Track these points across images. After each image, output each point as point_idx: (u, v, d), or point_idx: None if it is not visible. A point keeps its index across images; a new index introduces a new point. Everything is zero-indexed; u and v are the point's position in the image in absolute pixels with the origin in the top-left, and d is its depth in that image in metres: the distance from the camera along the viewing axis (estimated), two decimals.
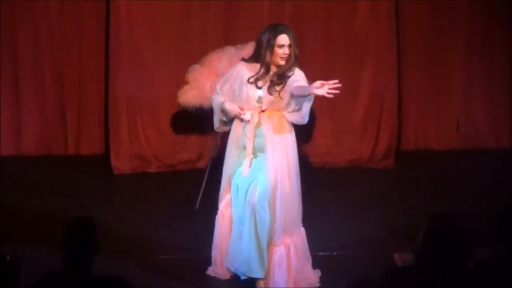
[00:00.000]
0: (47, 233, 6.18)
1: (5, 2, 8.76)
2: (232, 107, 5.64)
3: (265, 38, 5.53)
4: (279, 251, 5.58)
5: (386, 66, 8.90)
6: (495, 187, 7.78)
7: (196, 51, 8.12)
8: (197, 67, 7.49)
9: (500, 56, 9.26)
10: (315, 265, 5.84)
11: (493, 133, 9.34)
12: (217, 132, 6.66)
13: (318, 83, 5.21)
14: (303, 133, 7.36)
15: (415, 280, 3.80)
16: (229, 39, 8.09)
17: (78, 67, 9.01)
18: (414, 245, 3.89)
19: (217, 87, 5.80)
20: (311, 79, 5.46)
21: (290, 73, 5.53)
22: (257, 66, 5.59)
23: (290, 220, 5.61)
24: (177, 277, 5.94)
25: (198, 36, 8.66)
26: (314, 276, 5.80)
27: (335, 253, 6.33)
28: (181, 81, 7.56)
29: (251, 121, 5.59)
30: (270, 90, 5.54)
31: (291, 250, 5.61)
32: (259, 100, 5.59)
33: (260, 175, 5.54)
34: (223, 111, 5.69)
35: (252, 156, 5.60)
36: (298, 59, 5.56)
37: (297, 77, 5.51)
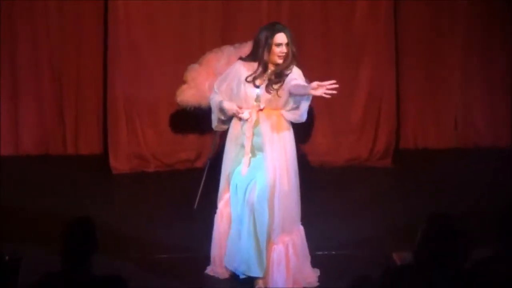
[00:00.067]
0: (46, 233, 6.18)
1: (4, 2, 8.76)
2: (230, 106, 5.64)
3: (262, 36, 5.53)
4: (277, 250, 5.58)
5: (385, 66, 8.90)
6: (494, 186, 7.78)
7: (195, 51, 8.12)
8: (195, 66, 7.49)
9: (499, 56, 9.26)
10: (314, 265, 5.84)
11: (491, 132, 9.34)
12: (215, 131, 6.67)
13: (314, 84, 5.22)
14: (302, 132, 7.38)
15: (414, 280, 3.81)
16: (228, 39, 8.09)
17: (76, 67, 9.01)
18: (413, 245, 3.89)
19: (215, 86, 5.80)
20: (310, 79, 5.47)
21: (288, 72, 5.53)
22: (254, 65, 5.59)
23: (289, 218, 5.61)
24: (176, 276, 5.94)
25: (196, 36, 8.66)
26: (313, 275, 5.80)
27: (333, 253, 6.33)
28: (180, 81, 7.55)
29: (249, 120, 5.59)
30: (268, 89, 5.54)
31: (289, 248, 5.62)
32: (257, 98, 5.59)
33: (259, 174, 5.54)
34: (221, 110, 5.69)
35: (250, 155, 5.61)
36: (295, 57, 5.57)
37: (295, 76, 5.51)
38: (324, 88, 5.18)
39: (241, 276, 5.69)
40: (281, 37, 5.51)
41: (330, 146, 8.93)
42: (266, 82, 5.56)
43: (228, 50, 7.34)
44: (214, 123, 5.84)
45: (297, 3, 8.74)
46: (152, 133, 8.76)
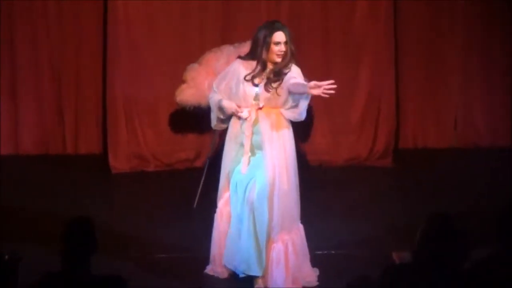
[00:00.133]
0: (46, 233, 6.18)
1: (4, 2, 8.77)
2: (229, 105, 5.64)
3: (261, 35, 5.53)
4: (277, 248, 5.58)
5: (384, 66, 8.91)
6: (494, 186, 7.78)
7: (194, 51, 8.12)
8: (195, 66, 7.50)
9: (499, 56, 9.26)
10: (313, 264, 5.84)
11: (491, 132, 9.34)
12: (215, 131, 6.67)
13: (312, 83, 5.22)
14: (301, 132, 7.38)
15: (413, 279, 3.81)
16: (228, 39, 8.09)
17: (76, 67, 9.02)
18: (412, 244, 3.89)
19: (214, 85, 5.80)
20: (309, 79, 5.45)
21: (287, 70, 5.53)
22: (253, 63, 5.59)
23: (288, 217, 5.61)
24: (176, 276, 5.94)
25: (196, 36, 8.67)
26: (312, 274, 5.79)
27: (333, 252, 6.33)
28: (179, 81, 7.56)
29: (248, 119, 5.59)
30: (267, 87, 5.54)
31: (289, 247, 5.61)
32: (256, 97, 5.58)
33: (258, 172, 5.54)
34: (221, 109, 5.69)
35: (250, 153, 5.60)
36: (294, 56, 5.56)
37: (294, 74, 5.51)
38: (321, 89, 5.18)
39: (241, 275, 5.69)
40: (279, 36, 5.51)
41: (329, 146, 8.93)
42: (265, 80, 5.56)
43: (227, 49, 7.34)
44: (213, 122, 5.84)
45: (296, 3, 8.74)
46: (152, 132, 8.77)
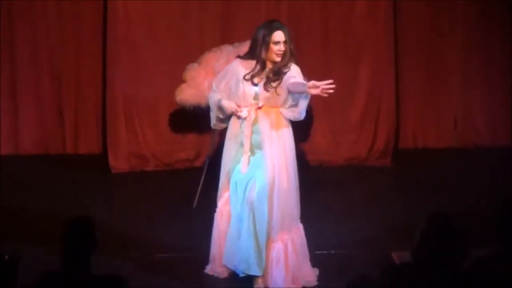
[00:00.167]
0: (45, 232, 6.17)
1: (4, 2, 8.77)
2: (229, 104, 5.64)
3: (260, 34, 5.53)
4: (276, 247, 5.58)
5: (384, 66, 8.91)
6: (493, 185, 7.79)
7: (194, 51, 8.13)
8: (194, 65, 7.50)
9: (499, 56, 9.27)
10: (313, 264, 5.83)
11: (491, 132, 9.35)
12: (215, 130, 6.66)
13: (311, 83, 5.22)
14: (301, 132, 7.37)
15: (413, 279, 3.81)
16: (227, 39, 8.08)
17: (76, 67, 9.02)
18: (412, 244, 3.89)
19: (213, 85, 5.80)
20: (309, 79, 5.44)
21: (286, 70, 5.53)
22: (252, 63, 5.58)
23: (288, 216, 5.61)
24: (176, 275, 5.94)
25: (196, 36, 8.67)
26: (312, 273, 5.79)
27: (333, 252, 6.33)
28: (179, 81, 7.56)
29: (248, 118, 5.59)
30: (266, 87, 5.54)
31: (289, 246, 5.61)
32: (256, 96, 5.58)
33: (258, 172, 5.54)
34: (220, 108, 5.69)
35: (249, 153, 5.60)
36: (293, 55, 5.56)
37: (293, 73, 5.51)
38: (320, 89, 5.19)
39: (241, 275, 5.69)
40: (279, 35, 5.51)
41: (329, 146, 8.93)
42: (264, 80, 5.55)
43: (227, 49, 7.35)
44: (213, 122, 5.84)
45: (296, 3, 8.75)
46: (152, 132, 8.77)
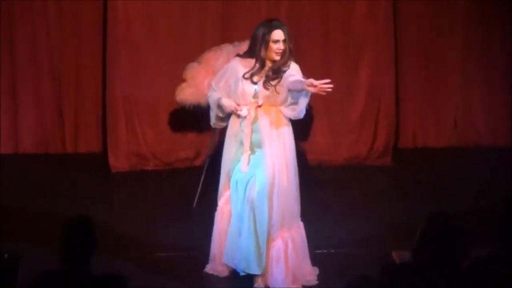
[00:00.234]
0: (45, 232, 6.18)
1: (4, 2, 8.77)
2: (228, 103, 5.64)
3: (259, 33, 5.53)
4: (276, 246, 5.58)
5: (384, 66, 8.91)
6: (493, 185, 7.78)
7: (194, 51, 8.11)
8: (194, 65, 7.50)
9: (498, 56, 9.26)
10: (313, 263, 5.84)
11: (491, 132, 9.34)
12: (215, 129, 6.66)
13: (309, 81, 5.23)
14: (301, 131, 7.37)
15: (413, 279, 3.81)
16: (227, 39, 8.07)
17: (76, 67, 9.02)
18: (412, 243, 3.90)
19: (213, 83, 5.80)
20: (309, 78, 5.45)
21: (286, 68, 5.53)
22: (252, 61, 5.59)
23: (288, 214, 5.61)
24: (176, 275, 5.94)
25: (196, 36, 8.67)
26: (312, 273, 5.79)
27: (333, 251, 6.33)
28: (179, 81, 7.56)
29: (247, 117, 5.59)
30: (265, 85, 5.54)
31: (289, 244, 5.61)
32: (255, 95, 5.58)
33: (258, 171, 5.54)
34: (220, 107, 5.69)
35: (250, 152, 5.60)
36: (293, 54, 5.57)
37: (293, 71, 5.51)
38: (317, 88, 5.19)
39: (241, 273, 5.69)
40: (278, 34, 5.51)
41: (329, 145, 8.93)
42: (263, 78, 5.55)
43: (227, 48, 7.35)
44: (213, 120, 5.84)
45: (296, 3, 8.75)
46: (151, 132, 8.77)
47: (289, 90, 5.45)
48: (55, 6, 8.87)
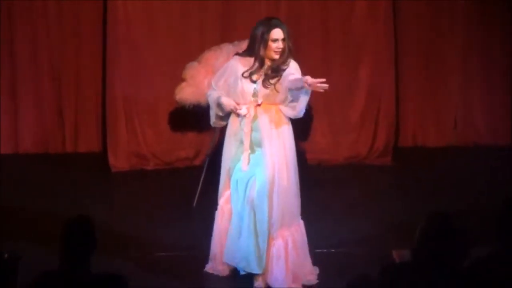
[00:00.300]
0: (45, 232, 6.18)
1: (4, 2, 8.77)
2: (228, 102, 5.63)
3: (259, 32, 5.53)
4: (276, 244, 5.58)
5: (384, 66, 8.91)
6: (493, 185, 7.79)
7: (194, 51, 8.11)
8: (194, 64, 7.50)
9: (498, 56, 9.26)
10: (313, 263, 5.84)
11: (491, 132, 9.34)
12: (215, 128, 6.66)
13: (305, 78, 5.24)
14: (301, 131, 7.37)
15: (413, 278, 3.81)
16: (227, 39, 8.07)
17: (76, 66, 9.02)
18: (412, 243, 3.89)
19: (212, 82, 5.81)
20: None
21: (285, 67, 5.53)
22: (251, 60, 5.59)
23: (288, 213, 5.61)
24: (176, 275, 5.94)
25: (196, 36, 8.67)
26: (312, 272, 5.79)
27: (333, 251, 6.33)
28: (179, 81, 7.56)
29: (247, 116, 5.59)
30: (265, 84, 5.54)
31: (289, 243, 5.61)
32: (255, 94, 5.59)
33: (258, 170, 5.54)
34: (219, 106, 5.69)
35: (249, 151, 5.60)
36: (292, 52, 5.57)
37: (292, 70, 5.51)
38: (314, 86, 5.21)
39: (241, 273, 5.69)
40: (277, 33, 5.51)
41: (329, 145, 8.93)
42: (263, 77, 5.55)
43: (227, 48, 7.35)
44: (212, 119, 5.84)
45: (296, 3, 8.75)
46: (151, 131, 8.77)
47: (289, 89, 5.45)
48: (55, 6, 8.88)
